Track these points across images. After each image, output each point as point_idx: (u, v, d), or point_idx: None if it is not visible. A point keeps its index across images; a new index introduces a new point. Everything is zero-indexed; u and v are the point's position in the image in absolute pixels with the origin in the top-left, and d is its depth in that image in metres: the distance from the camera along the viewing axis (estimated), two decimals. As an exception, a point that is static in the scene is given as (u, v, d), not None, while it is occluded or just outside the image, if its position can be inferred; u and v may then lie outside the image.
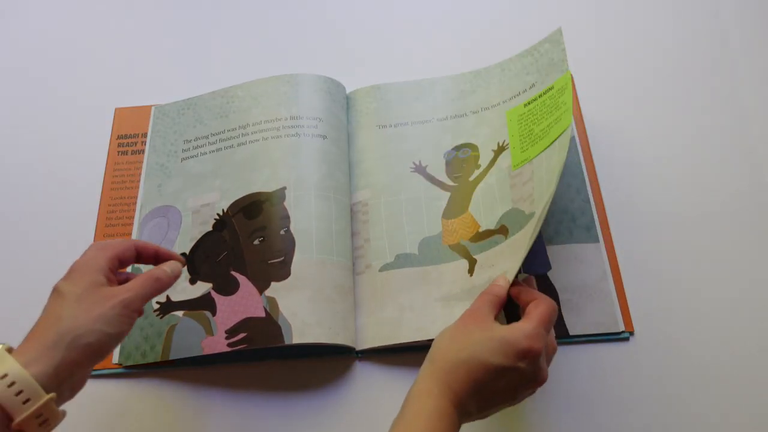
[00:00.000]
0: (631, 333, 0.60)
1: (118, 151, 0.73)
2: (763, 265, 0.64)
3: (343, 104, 0.72)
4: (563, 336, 0.60)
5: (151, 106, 0.75)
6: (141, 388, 0.60)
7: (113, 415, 0.58)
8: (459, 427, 0.45)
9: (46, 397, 0.41)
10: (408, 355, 0.60)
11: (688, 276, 0.63)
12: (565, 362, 0.59)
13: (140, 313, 0.48)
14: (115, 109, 0.75)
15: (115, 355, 0.61)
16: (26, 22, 0.85)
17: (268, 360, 0.60)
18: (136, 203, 0.69)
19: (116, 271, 0.50)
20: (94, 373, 0.60)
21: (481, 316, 0.48)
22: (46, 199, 0.71)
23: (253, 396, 0.59)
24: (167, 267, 0.51)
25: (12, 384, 0.40)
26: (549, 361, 0.49)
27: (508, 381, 0.46)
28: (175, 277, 0.52)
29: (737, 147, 0.71)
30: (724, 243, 0.65)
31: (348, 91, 0.74)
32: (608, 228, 0.65)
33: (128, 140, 0.73)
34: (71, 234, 0.68)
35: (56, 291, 0.46)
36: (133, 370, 0.60)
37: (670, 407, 0.57)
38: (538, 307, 0.48)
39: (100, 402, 0.59)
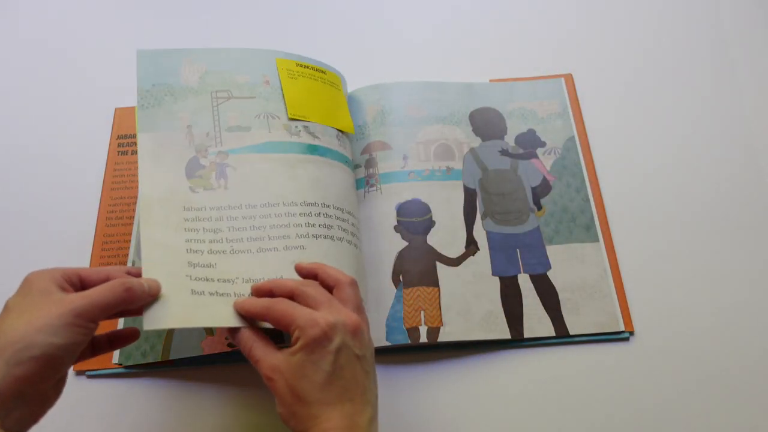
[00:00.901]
0: (631, 333, 0.61)
1: (118, 151, 0.73)
2: (763, 264, 0.64)
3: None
4: (563, 336, 0.60)
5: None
6: (141, 388, 0.60)
7: (113, 415, 0.58)
8: None
9: None
10: (408, 355, 0.60)
11: (688, 276, 0.63)
12: (565, 362, 0.59)
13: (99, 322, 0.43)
14: (115, 109, 0.75)
15: (115, 355, 0.60)
16: (26, 22, 0.84)
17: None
18: (136, 203, 0.69)
19: (76, 286, 0.44)
20: (94, 373, 0.60)
21: (270, 366, 0.46)
22: (46, 199, 0.71)
23: (252, 396, 0.59)
24: (146, 282, 0.46)
25: None
26: (360, 309, 0.48)
27: (345, 365, 0.44)
28: (151, 296, 0.46)
29: (737, 147, 0.71)
30: (725, 243, 0.65)
31: (350, 90, 0.74)
32: (608, 228, 0.66)
33: (128, 140, 0.73)
34: (71, 234, 0.68)
35: (5, 307, 0.42)
36: (133, 370, 0.60)
37: (670, 407, 0.57)
38: (274, 313, 0.47)
39: (99, 402, 0.59)
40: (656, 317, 0.61)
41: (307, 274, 0.52)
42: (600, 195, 0.68)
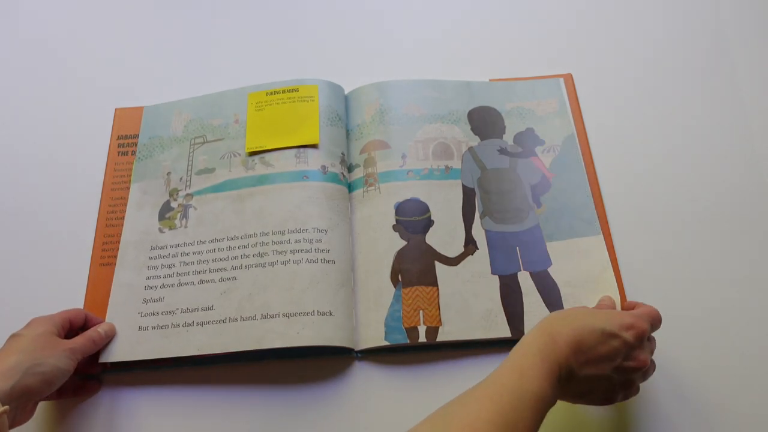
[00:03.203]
0: (631, 333, 0.60)
1: (118, 151, 0.73)
2: (763, 263, 0.64)
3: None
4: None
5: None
6: (141, 388, 0.60)
7: (113, 415, 0.58)
8: (553, 403, 0.47)
9: (2, 408, 0.47)
10: (407, 354, 0.60)
11: (687, 274, 0.63)
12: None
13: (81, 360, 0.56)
14: (115, 109, 0.76)
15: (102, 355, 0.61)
16: (26, 23, 0.85)
17: (268, 360, 0.60)
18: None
19: (66, 330, 0.58)
20: (94, 373, 0.60)
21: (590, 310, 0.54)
22: (46, 199, 0.71)
23: (253, 396, 0.59)
24: (101, 329, 0.59)
25: None
26: (653, 365, 0.52)
27: (611, 348, 0.48)
28: (108, 338, 0.60)
29: (737, 146, 0.71)
30: (724, 241, 0.65)
31: (347, 90, 0.74)
32: (608, 226, 0.65)
33: (128, 140, 0.73)
34: (71, 234, 0.68)
35: (14, 335, 0.54)
36: (132, 370, 0.60)
37: (671, 407, 0.57)
38: (644, 307, 0.54)
39: (99, 402, 0.59)
40: (656, 317, 0.61)
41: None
42: (600, 194, 0.67)
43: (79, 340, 0.57)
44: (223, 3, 0.86)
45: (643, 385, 0.54)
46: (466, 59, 0.79)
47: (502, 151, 0.70)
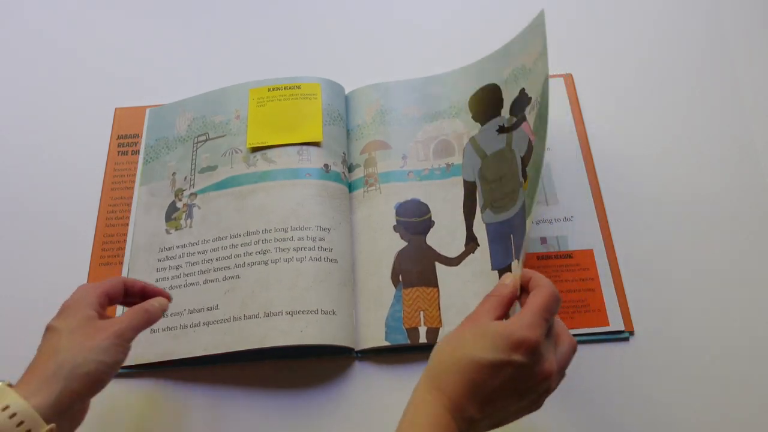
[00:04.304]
0: (631, 333, 0.60)
1: (118, 151, 0.73)
2: (763, 264, 0.64)
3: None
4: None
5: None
6: (141, 388, 0.60)
7: (112, 415, 0.58)
8: None
9: (47, 427, 0.42)
10: (408, 355, 0.60)
11: (688, 276, 0.63)
12: (565, 362, 0.59)
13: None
14: (115, 109, 0.75)
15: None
16: (26, 22, 0.85)
17: (268, 360, 0.60)
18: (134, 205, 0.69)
19: (106, 306, 0.51)
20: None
21: (477, 317, 0.46)
22: (46, 199, 0.71)
23: (253, 396, 0.59)
24: (155, 302, 0.52)
25: (13, 415, 0.41)
26: (565, 355, 0.46)
27: (506, 377, 0.42)
28: (162, 311, 0.53)
29: (737, 147, 0.71)
30: (724, 243, 0.65)
31: (347, 90, 0.74)
32: (608, 228, 0.65)
33: (128, 140, 0.73)
34: (71, 234, 0.68)
35: (50, 328, 0.48)
36: (133, 370, 0.60)
37: (671, 407, 0.57)
38: (535, 296, 0.45)
39: (99, 402, 0.59)
40: (656, 317, 0.61)
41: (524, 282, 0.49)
42: (600, 195, 0.67)
43: (126, 319, 0.49)
44: (224, 3, 0.85)
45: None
46: (466, 59, 0.79)
47: (501, 129, 0.66)
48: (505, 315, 0.47)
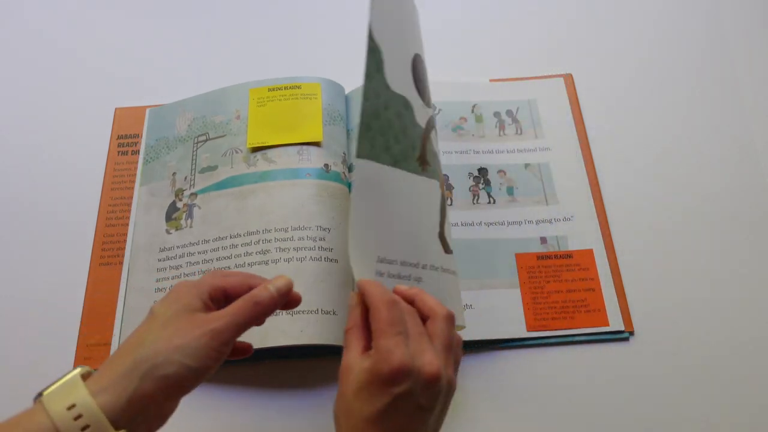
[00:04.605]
0: (631, 333, 0.60)
1: (118, 151, 0.73)
2: (763, 264, 0.64)
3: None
4: (564, 336, 0.60)
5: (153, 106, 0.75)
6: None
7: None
8: None
9: None
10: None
11: (688, 276, 0.63)
12: (565, 362, 0.59)
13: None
14: (115, 109, 0.75)
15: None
16: (26, 22, 0.85)
17: (268, 360, 0.60)
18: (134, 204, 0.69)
19: (221, 303, 0.44)
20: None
21: (348, 365, 0.42)
22: (46, 199, 0.71)
23: (253, 396, 0.59)
24: (272, 285, 0.44)
25: (79, 417, 0.36)
26: (443, 332, 0.43)
27: (403, 409, 0.40)
28: (281, 296, 0.44)
29: (737, 147, 0.71)
30: (724, 243, 0.65)
31: (347, 90, 0.74)
32: (608, 228, 0.66)
33: (128, 140, 0.73)
34: (71, 234, 0.68)
35: (150, 312, 0.42)
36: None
37: (671, 407, 0.57)
38: (371, 315, 0.42)
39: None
40: (656, 317, 0.61)
41: (404, 299, 0.45)
42: (600, 195, 0.68)
43: (228, 314, 0.41)
44: (225, 4, 0.85)
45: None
46: (466, 59, 0.79)
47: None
48: (370, 337, 0.43)
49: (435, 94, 0.73)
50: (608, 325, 0.60)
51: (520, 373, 0.59)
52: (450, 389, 0.43)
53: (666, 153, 0.71)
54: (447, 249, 0.54)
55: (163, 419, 0.41)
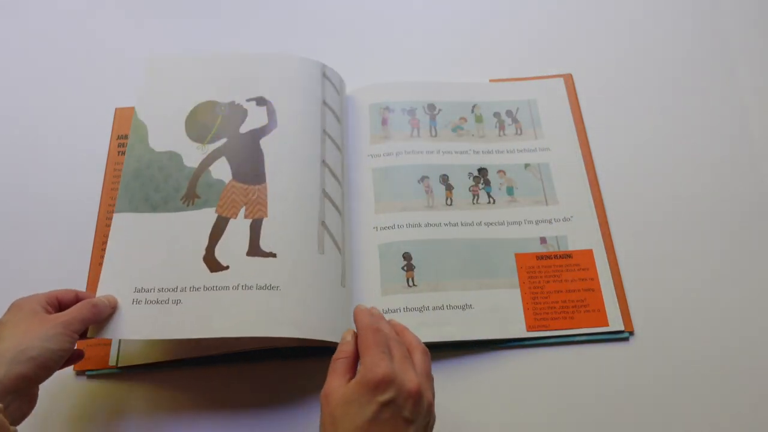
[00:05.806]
0: (631, 333, 0.60)
1: (118, 151, 0.73)
2: (763, 264, 0.64)
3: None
4: (564, 336, 0.60)
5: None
6: (141, 388, 0.60)
7: (112, 415, 0.58)
8: None
9: None
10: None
11: (687, 276, 0.63)
12: (565, 362, 0.59)
13: (81, 334, 0.51)
14: (115, 109, 0.75)
15: (112, 358, 0.60)
16: (26, 22, 0.85)
17: (268, 360, 0.60)
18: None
19: (56, 308, 0.52)
20: (93, 373, 0.60)
21: (332, 390, 0.46)
22: (46, 199, 0.71)
23: (252, 396, 0.59)
24: (105, 298, 0.54)
25: None
26: (422, 363, 0.48)
27: (387, 419, 0.43)
28: (112, 308, 0.54)
29: (737, 148, 0.71)
30: (724, 243, 0.65)
31: (349, 90, 0.74)
32: (608, 228, 0.66)
33: (128, 140, 0.73)
34: (72, 234, 0.68)
35: None
36: (132, 371, 0.60)
37: (670, 407, 0.57)
38: (360, 338, 0.49)
39: (99, 402, 0.59)
40: (656, 317, 0.61)
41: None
42: (600, 195, 0.68)
43: (73, 311, 0.51)
44: (225, 4, 0.85)
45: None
46: (466, 59, 0.79)
47: None
48: (355, 370, 0.48)
49: (435, 94, 0.73)
50: (608, 325, 0.60)
51: (520, 373, 0.59)
52: (430, 415, 0.47)
53: (666, 153, 0.71)
54: (214, 268, 0.57)
55: (33, 399, 0.50)
